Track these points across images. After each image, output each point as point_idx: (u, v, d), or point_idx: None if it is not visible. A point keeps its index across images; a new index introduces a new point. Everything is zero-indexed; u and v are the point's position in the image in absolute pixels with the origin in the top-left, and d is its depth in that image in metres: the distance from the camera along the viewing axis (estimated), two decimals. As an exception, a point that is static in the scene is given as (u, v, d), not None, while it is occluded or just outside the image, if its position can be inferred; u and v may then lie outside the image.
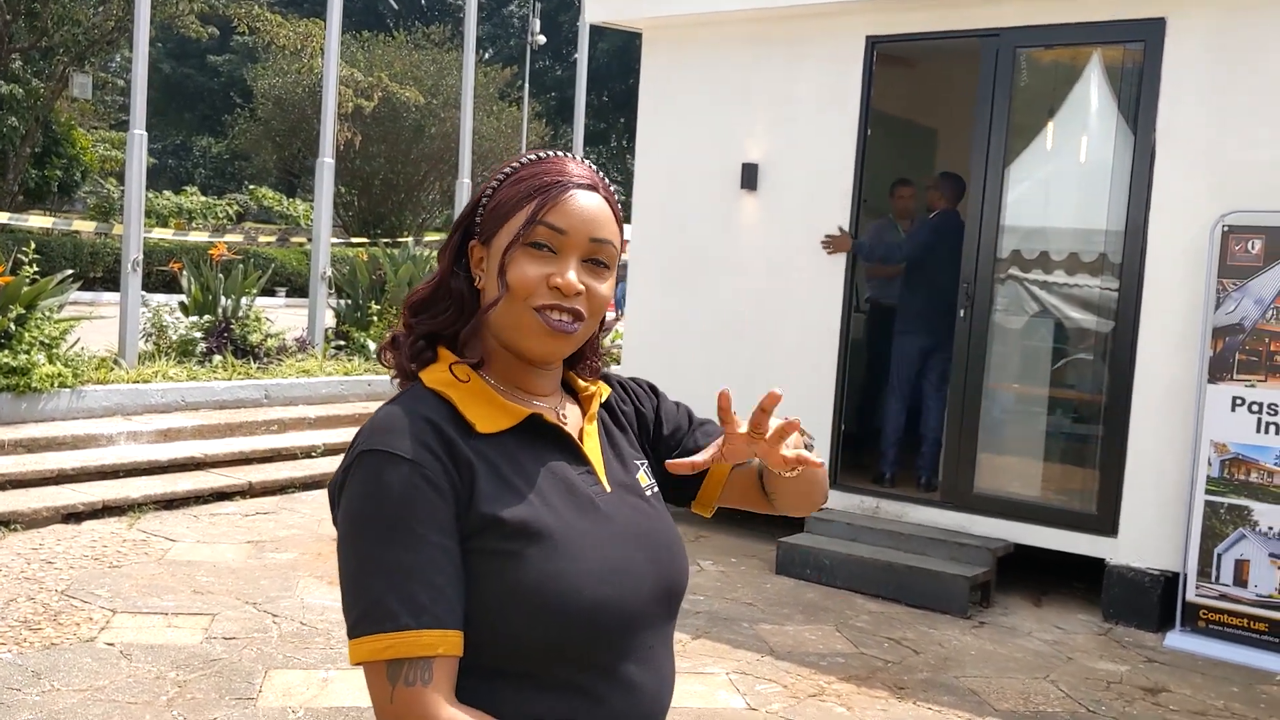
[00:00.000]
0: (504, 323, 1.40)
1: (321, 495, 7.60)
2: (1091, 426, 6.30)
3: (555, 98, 45.25)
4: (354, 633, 1.27)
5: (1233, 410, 5.54)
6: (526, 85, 29.54)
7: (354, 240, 14.19)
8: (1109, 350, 6.17)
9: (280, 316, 13.07)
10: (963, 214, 6.80)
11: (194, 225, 24.16)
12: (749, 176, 7.16)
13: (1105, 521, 6.04)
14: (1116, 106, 6.22)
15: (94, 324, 9.51)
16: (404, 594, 1.26)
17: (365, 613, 1.27)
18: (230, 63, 39.58)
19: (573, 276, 1.38)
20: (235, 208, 29.22)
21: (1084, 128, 6.48)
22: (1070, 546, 6.16)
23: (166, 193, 26.89)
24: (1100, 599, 6.09)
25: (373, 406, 9.68)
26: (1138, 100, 5.98)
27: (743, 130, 7.23)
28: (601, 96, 43.91)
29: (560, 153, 1.45)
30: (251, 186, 30.20)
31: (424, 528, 1.28)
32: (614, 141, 48.87)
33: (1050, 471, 6.58)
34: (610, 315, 1.55)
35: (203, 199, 27.30)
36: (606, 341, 1.65)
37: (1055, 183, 6.54)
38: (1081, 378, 6.55)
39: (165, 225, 22.29)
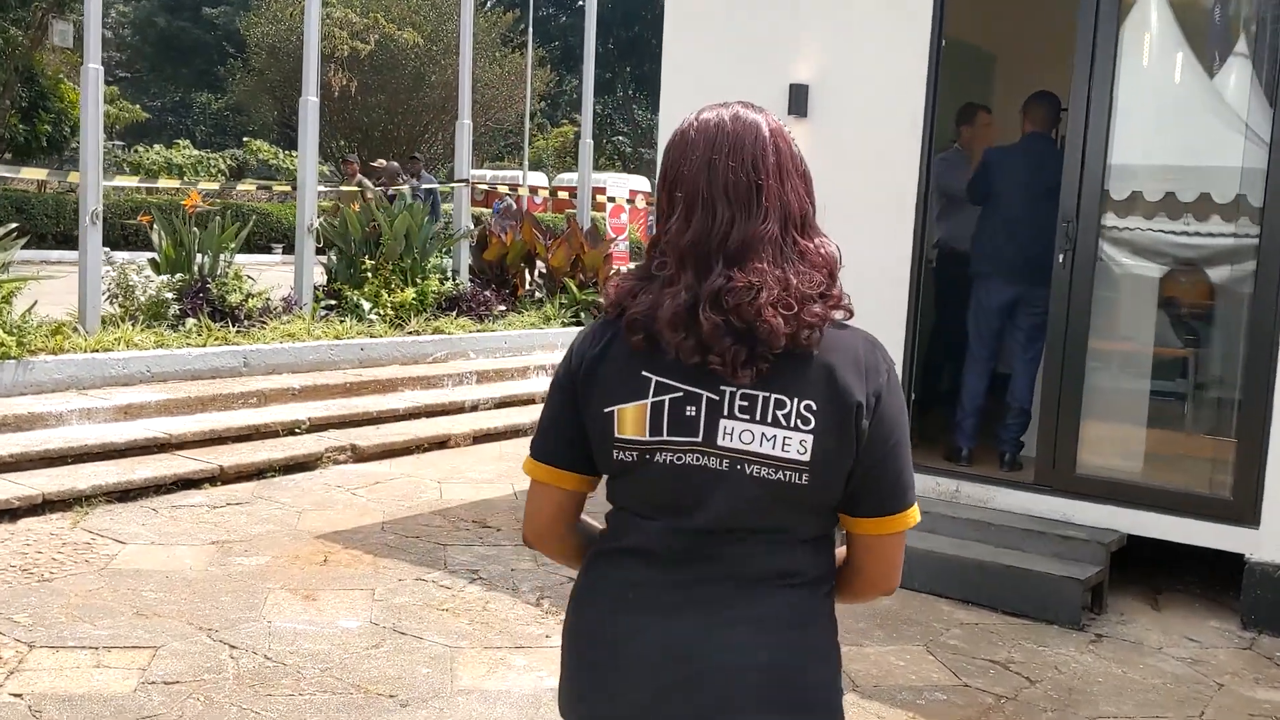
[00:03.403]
0: None
1: (305, 480, 6.58)
2: (1225, 394, 5.24)
3: (559, 46, 43.93)
4: None
5: None
6: (531, 31, 28.23)
7: (344, 189, 13.04)
8: (1246, 304, 5.08)
9: (272, 275, 12.01)
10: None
11: (186, 182, 23.02)
12: (798, 100, 6.04)
13: (1243, 509, 4.99)
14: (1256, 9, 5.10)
15: (68, 284, 8.41)
16: None
17: None
18: (225, 14, 38.26)
19: None
20: (231, 162, 28.09)
21: (1212, 40, 5.35)
22: (1199, 539, 5.11)
23: (157, 146, 25.73)
24: (1233, 601, 5.07)
25: (366, 374, 8.70)
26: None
27: (790, 45, 6.11)
28: (607, 44, 42.60)
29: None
30: (246, 139, 28.97)
31: None
32: (620, 91, 47.55)
33: (1172, 448, 5.52)
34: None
35: (195, 153, 26.11)
36: None
37: (1176, 109, 5.42)
38: (1210, 336, 5.47)
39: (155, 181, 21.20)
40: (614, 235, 17.42)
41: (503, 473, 7.11)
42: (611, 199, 23.16)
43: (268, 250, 20.97)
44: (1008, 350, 6.03)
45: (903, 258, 5.78)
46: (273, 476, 6.63)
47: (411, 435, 7.59)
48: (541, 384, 9.42)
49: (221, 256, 8.94)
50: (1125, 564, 5.24)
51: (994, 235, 5.98)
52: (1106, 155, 5.29)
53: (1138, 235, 5.43)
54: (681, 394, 1.54)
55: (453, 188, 11.74)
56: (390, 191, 12.76)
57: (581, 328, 1.80)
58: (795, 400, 1.52)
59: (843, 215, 5.98)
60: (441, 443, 7.68)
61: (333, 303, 9.77)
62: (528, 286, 11.98)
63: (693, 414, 1.54)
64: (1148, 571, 5.41)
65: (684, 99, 6.51)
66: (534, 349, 10.32)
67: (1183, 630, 4.89)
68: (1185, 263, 5.36)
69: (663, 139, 6.63)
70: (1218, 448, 5.26)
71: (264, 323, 8.73)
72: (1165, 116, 5.47)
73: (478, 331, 9.97)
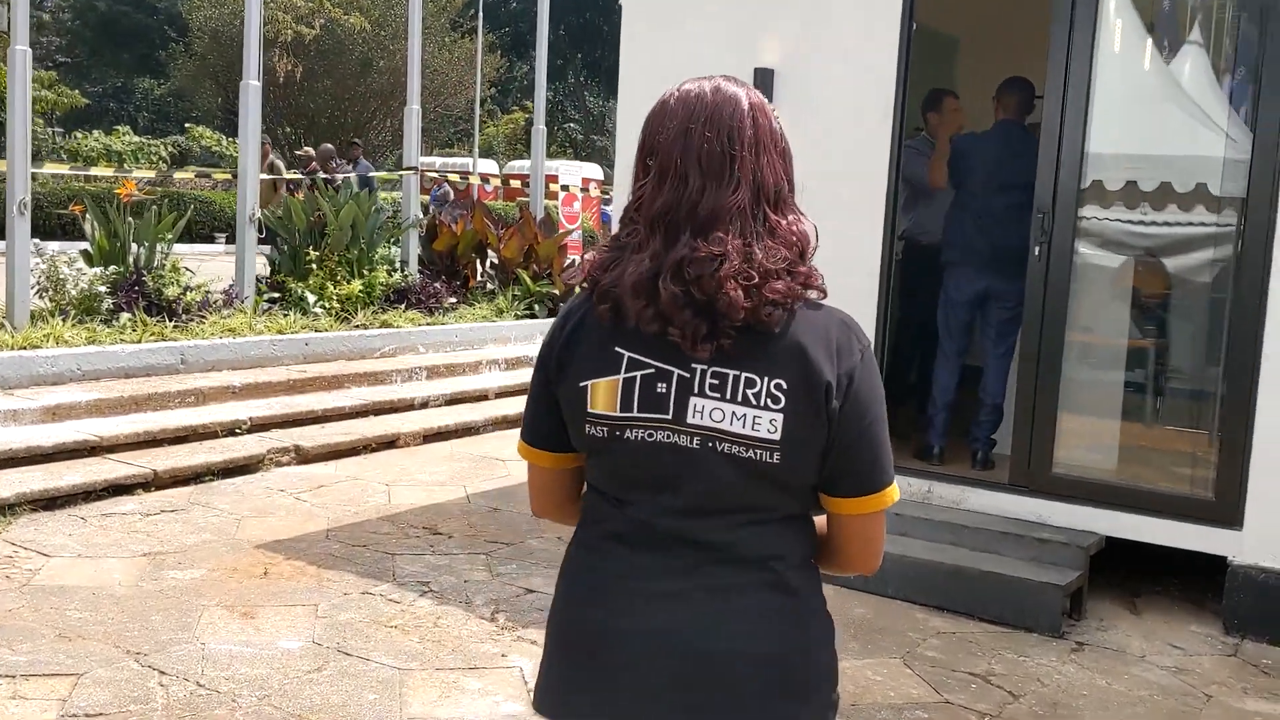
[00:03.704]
0: None
1: (245, 484, 6.26)
2: (1206, 390, 5.07)
3: (510, 32, 43.41)
4: None
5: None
6: (481, 16, 27.77)
7: (288, 176, 12.60)
8: (1230, 296, 4.91)
9: (215, 267, 11.61)
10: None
11: (122, 170, 22.36)
12: (764, 86, 5.78)
13: (1226, 509, 4.82)
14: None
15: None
16: None
17: None
18: (167, -3, 37.40)
19: None
20: (173, 150, 27.38)
21: (1194, 22, 5.17)
22: (1180, 541, 4.93)
23: (96, 133, 25.02)
24: (1213, 603, 4.91)
25: (311, 371, 8.36)
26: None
27: (756, 27, 5.86)
28: (559, 30, 42.06)
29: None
30: (189, 126, 28.28)
31: None
32: (572, 78, 47.14)
33: (1151, 446, 5.34)
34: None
35: (136, 140, 25.42)
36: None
37: (1156, 95, 5.23)
38: (1192, 330, 5.30)
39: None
40: (567, 224, 17.11)
41: (454, 474, 6.82)
42: (565, 187, 22.82)
43: (210, 240, 20.45)
44: (979, 345, 5.84)
45: (873, 248, 5.55)
46: (211, 480, 6.29)
47: (358, 434, 7.27)
48: (494, 379, 9.12)
49: (159, 247, 8.55)
50: (1102, 565, 5.05)
51: (964, 226, 5.77)
52: (1084, 144, 5.09)
53: (1109, 226, 5.24)
54: (653, 370, 1.53)
55: (401, 176, 11.39)
56: (324, 178, 12.26)
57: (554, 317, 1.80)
58: (765, 379, 1.51)
59: (810, 203, 5.78)
60: (390, 442, 7.37)
61: (276, 296, 9.40)
62: (479, 278, 11.66)
63: (663, 390, 1.52)
64: (1124, 573, 5.23)
65: (643, 82, 6.25)
66: (486, 342, 10.01)
67: (1165, 636, 4.71)
68: (1155, 252, 5.18)
69: (621, 122, 6.37)
70: (1199, 446, 5.09)
71: (203, 317, 8.36)
72: (1136, 104, 5.28)
73: (427, 325, 9.64)
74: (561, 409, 1.61)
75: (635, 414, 1.54)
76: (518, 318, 10.66)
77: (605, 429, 1.55)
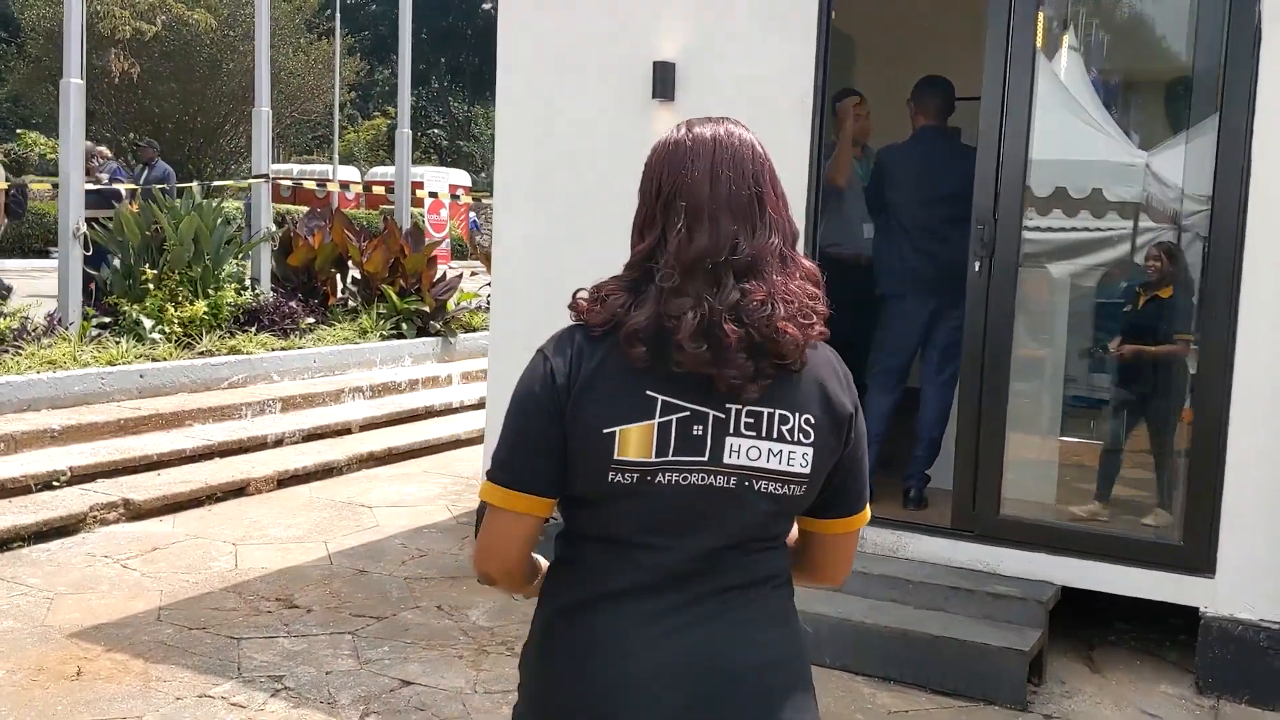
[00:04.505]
0: None
1: (63, 550, 5.29)
2: (1172, 422, 4.55)
3: (369, 35, 42.06)
4: None
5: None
6: (339, 17, 26.54)
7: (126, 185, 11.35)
8: (1197, 317, 4.40)
9: (47, 284, 10.43)
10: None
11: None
12: (663, 81, 5.11)
13: (1196, 555, 4.30)
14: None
15: None
16: None
17: None
18: (-4, -5, 34.98)
19: None
20: (6, 158, 25.43)
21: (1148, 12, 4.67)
22: (1147, 591, 4.40)
23: (-86, 140, 23.03)
24: (1173, 655, 4.41)
25: (147, 407, 7.35)
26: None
27: (653, 16, 5.17)
28: (420, 34, 40.84)
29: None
30: (21, 132, 26.33)
31: None
32: (435, 82, 46.02)
33: (1111, 484, 4.81)
34: None
35: (-42, 146, 23.48)
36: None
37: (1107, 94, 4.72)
38: (1154, 356, 4.78)
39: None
40: (434, 233, 16.21)
41: (314, 526, 5.95)
42: (432, 194, 21.94)
43: (45, 255, 18.87)
44: (918, 371, 5.25)
45: (791, 266, 4.91)
46: (20, 547, 5.30)
47: (201, 481, 6.33)
48: (358, 409, 8.23)
49: (-36, 269, 7.45)
50: (1052, 613, 4.50)
51: (900, 250, 5.16)
52: (1028, 148, 4.52)
53: (1057, 236, 4.71)
54: (689, 413, 1.53)
55: (250, 184, 10.39)
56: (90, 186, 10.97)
57: (549, 339, 1.62)
58: (797, 415, 1.55)
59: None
60: (239, 489, 6.45)
61: (108, 321, 8.34)
62: (340, 295, 10.70)
63: (699, 433, 1.52)
64: (1073, 619, 4.68)
65: (527, 77, 5.52)
66: (349, 367, 9.11)
67: (1136, 700, 4.16)
68: (1124, 269, 4.66)
69: (500, 119, 5.63)
70: (1163, 488, 4.58)
71: (18, 348, 7.30)
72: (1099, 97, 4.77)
73: (282, 350, 8.69)
74: (569, 454, 1.54)
75: (670, 458, 1.52)
76: (383, 338, 9.76)
77: (635, 475, 1.52)
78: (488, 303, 12.39)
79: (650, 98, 5.13)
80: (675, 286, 1.50)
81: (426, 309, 10.28)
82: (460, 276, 11.04)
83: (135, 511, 5.88)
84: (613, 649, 1.56)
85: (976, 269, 4.61)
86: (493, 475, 1.58)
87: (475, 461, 7.11)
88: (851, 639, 4.29)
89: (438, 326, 10.38)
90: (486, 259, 13.74)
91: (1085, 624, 4.72)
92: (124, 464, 6.35)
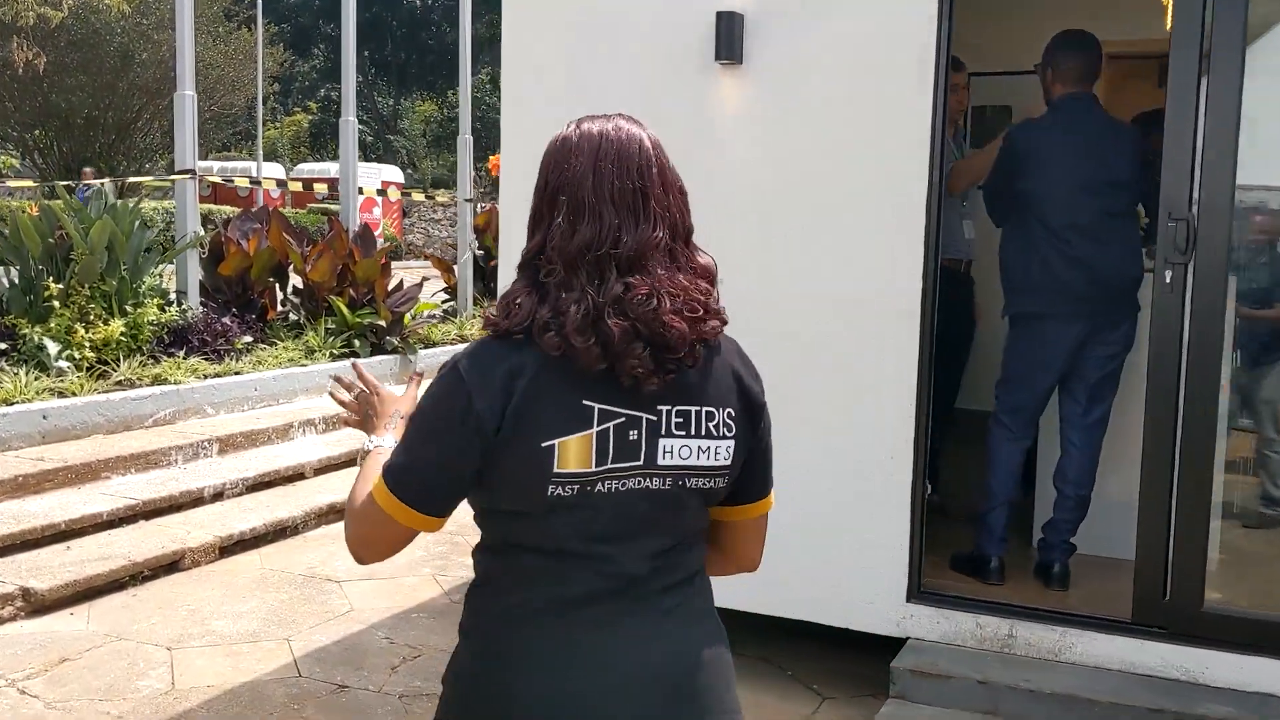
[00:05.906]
0: None
1: (-67, 673, 3.95)
2: None
3: (290, 26, 40.26)
4: None
5: None
6: (260, 5, 24.90)
7: (13, 184, 9.88)
8: None
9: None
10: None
11: None
12: (728, 38, 3.91)
13: None
14: None
15: None
16: None
17: None
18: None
19: None
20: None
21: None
22: None
23: None
24: None
25: (51, 456, 5.90)
26: None
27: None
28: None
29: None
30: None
31: None
32: (360, 75, 44.33)
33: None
34: None
35: None
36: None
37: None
38: None
39: None
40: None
41: (270, 614, 4.67)
42: (360, 190, 20.52)
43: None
44: (1059, 415, 4.11)
45: (909, 277, 3.75)
46: (-124, 667, 3.97)
47: (123, 557, 5.00)
48: (311, 448, 6.93)
49: None
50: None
51: (1040, 255, 3.98)
52: (1239, 113, 3.41)
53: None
54: (624, 419, 1.50)
55: (174, 182, 9.00)
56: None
57: (465, 353, 1.52)
58: (720, 410, 1.55)
59: (799, 216, 3.90)
60: (172, 563, 5.13)
61: (3, 347, 6.93)
62: (280, 308, 9.33)
63: (635, 438, 1.51)
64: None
65: (540, 36, 4.30)
66: (295, 395, 7.79)
67: None
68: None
69: (507, 96, 4.37)
70: None
71: (-112, 385, 5.89)
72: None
73: (216, 377, 7.34)
74: (497, 474, 1.50)
75: (610, 465, 1.49)
76: (334, 358, 8.44)
77: (575, 486, 1.49)
78: (445, 314, 11.17)
79: (713, 60, 3.93)
80: (560, 280, 1.48)
81: (382, 323, 8.97)
82: (420, 285, 9.72)
83: (38, 604, 4.56)
84: (580, 659, 1.52)
85: (1168, 279, 3.49)
86: (386, 476, 1.53)
87: (458, 509, 5.87)
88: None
89: (395, 343, 9.09)
90: (440, 263, 12.44)
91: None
92: (22, 536, 5.01)
